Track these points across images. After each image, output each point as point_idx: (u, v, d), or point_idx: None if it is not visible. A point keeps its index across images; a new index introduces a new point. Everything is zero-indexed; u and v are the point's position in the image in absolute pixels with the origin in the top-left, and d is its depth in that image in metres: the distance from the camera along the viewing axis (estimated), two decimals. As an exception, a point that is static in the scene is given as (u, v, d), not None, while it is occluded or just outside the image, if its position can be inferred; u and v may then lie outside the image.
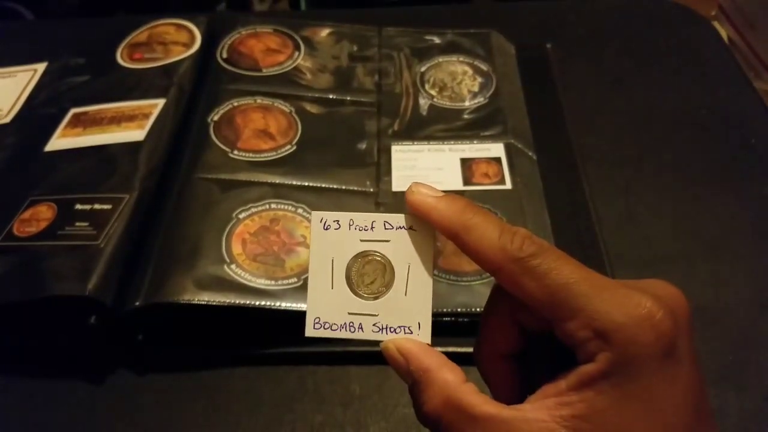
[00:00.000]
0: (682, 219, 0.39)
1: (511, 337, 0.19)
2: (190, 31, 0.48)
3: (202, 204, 0.36)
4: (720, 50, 0.52)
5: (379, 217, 0.20)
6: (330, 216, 0.21)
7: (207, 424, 0.31)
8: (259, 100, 0.43)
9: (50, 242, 0.34)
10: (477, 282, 0.34)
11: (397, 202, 0.38)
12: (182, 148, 0.40)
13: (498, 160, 0.40)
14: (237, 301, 0.32)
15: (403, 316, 0.20)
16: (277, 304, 0.32)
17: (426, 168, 0.40)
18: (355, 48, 0.47)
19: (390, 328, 0.20)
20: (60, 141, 0.41)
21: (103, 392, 0.33)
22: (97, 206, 0.36)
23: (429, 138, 0.42)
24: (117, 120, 0.41)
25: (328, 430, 0.31)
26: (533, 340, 0.19)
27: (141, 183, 0.37)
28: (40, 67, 0.48)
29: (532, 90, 0.46)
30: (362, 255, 0.20)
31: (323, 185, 0.38)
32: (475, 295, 0.33)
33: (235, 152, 0.40)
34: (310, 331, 0.20)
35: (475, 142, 0.41)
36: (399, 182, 0.39)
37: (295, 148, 0.40)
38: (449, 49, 0.48)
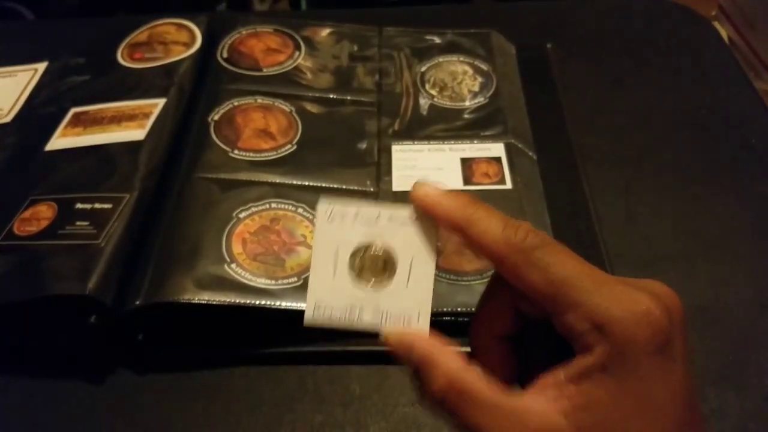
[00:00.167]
0: (682, 219, 0.39)
1: (508, 320, 0.20)
2: (191, 31, 0.48)
3: (203, 203, 0.37)
4: (720, 50, 0.52)
5: (385, 210, 0.21)
6: (337, 206, 0.21)
7: (207, 424, 0.31)
8: (259, 100, 0.43)
9: (50, 241, 0.34)
10: (477, 282, 0.34)
11: (398, 202, 0.38)
12: (182, 148, 0.40)
13: (498, 159, 0.40)
14: (237, 301, 0.32)
15: (404, 306, 0.20)
16: (277, 303, 0.32)
17: (426, 168, 0.40)
18: (355, 48, 0.47)
19: (390, 317, 0.20)
20: (60, 140, 0.41)
21: (103, 392, 0.33)
22: (97, 206, 0.36)
23: (429, 138, 0.42)
24: (117, 119, 0.41)
25: (328, 429, 0.31)
26: (530, 326, 0.20)
27: (141, 182, 0.37)
28: (41, 66, 0.48)
29: (533, 90, 0.46)
30: (366, 246, 0.20)
31: (323, 185, 0.38)
32: (475, 294, 0.33)
33: (236, 152, 0.40)
34: (309, 318, 0.20)
35: (475, 141, 0.41)
36: (399, 182, 0.39)
37: (295, 147, 0.40)
38: (449, 49, 0.48)
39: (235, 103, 0.43)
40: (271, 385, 0.33)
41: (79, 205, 0.36)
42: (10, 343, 0.34)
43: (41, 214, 0.36)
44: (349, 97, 0.44)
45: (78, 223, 0.35)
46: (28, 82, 0.47)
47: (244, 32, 0.48)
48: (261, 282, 0.33)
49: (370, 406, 0.32)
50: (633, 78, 0.48)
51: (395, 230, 0.20)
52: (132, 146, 0.39)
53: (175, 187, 0.38)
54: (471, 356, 0.20)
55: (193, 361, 0.33)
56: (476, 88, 0.45)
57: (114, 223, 0.34)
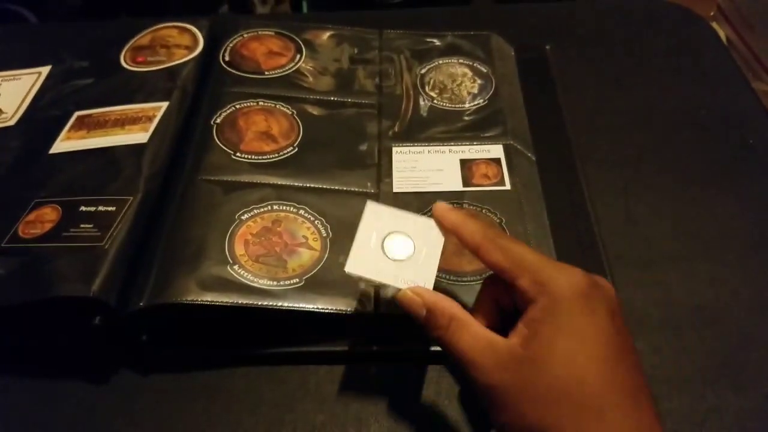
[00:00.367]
0: (681, 219, 0.40)
1: (493, 314, 0.29)
2: (193, 34, 0.48)
3: (205, 205, 0.37)
4: (719, 51, 0.52)
5: (412, 215, 0.31)
6: (379, 206, 0.31)
7: (209, 424, 0.32)
8: (261, 103, 0.43)
9: (55, 244, 0.34)
10: (476, 282, 0.34)
11: (398, 203, 0.38)
12: (185, 151, 0.40)
13: (497, 161, 0.40)
14: (240, 302, 0.32)
15: (416, 275, 0.29)
16: (279, 304, 0.33)
17: (426, 169, 0.40)
18: (355, 50, 0.48)
19: (405, 280, 0.29)
20: (64, 143, 0.41)
21: (106, 392, 0.33)
22: (101, 208, 0.36)
23: (429, 139, 0.42)
24: (121, 122, 0.42)
25: (330, 429, 0.31)
26: (506, 317, 0.28)
27: (145, 185, 0.37)
28: (45, 70, 0.48)
29: (532, 91, 0.46)
30: (397, 232, 0.30)
31: (325, 186, 0.39)
32: (474, 293, 0.34)
33: (238, 154, 0.40)
34: (349, 267, 0.29)
35: (474, 143, 0.41)
36: (399, 183, 0.39)
37: (296, 149, 0.41)
38: (449, 51, 0.48)
39: (237, 106, 0.43)
40: (273, 385, 0.33)
41: (83, 208, 0.36)
42: (13, 344, 0.34)
43: (45, 216, 0.36)
44: (349, 100, 0.44)
45: (82, 225, 0.35)
46: (32, 86, 0.47)
47: (246, 35, 0.48)
48: (263, 283, 0.33)
49: (370, 405, 0.32)
50: (632, 79, 0.49)
51: (417, 228, 0.30)
52: (135, 149, 0.39)
53: (179, 189, 0.38)
54: None
55: (195, 362, 0.34)
56: (475, 90, 0.45)
57: (118, 226, 0.35)
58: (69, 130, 0.42)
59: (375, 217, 0.31)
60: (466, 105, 0.44)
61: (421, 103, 0.44)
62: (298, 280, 0.34)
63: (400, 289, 0.28)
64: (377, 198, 0.39)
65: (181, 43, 0.47)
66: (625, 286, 0.35)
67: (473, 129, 0.42)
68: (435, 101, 0.44)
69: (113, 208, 0.36)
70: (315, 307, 0.33)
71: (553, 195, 0.39)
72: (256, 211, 0.37)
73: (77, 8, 0.86)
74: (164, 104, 0.42)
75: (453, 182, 0.39)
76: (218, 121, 0.42)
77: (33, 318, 0.34)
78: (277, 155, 0.40)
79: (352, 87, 0.45)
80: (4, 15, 0.80)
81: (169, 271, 0.34)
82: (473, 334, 0.27)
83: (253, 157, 0.40)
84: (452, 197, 0.38)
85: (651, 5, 0.56)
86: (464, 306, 0.28)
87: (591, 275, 0.27)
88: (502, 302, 0.29)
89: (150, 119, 0.41)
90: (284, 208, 0.37)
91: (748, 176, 0.42)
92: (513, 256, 0.27)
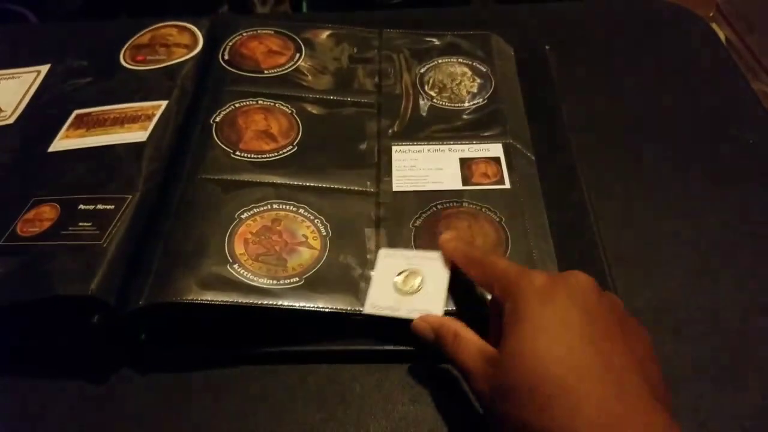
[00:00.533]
0: (682, 219, 0.40)
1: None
2: (193, 33, 0.48)
3: (205, 204, 0.37)
4: (718, 51, 0.52)
5: (420, 252, 0.35)
6: (391, 252, 0.35)
7: (208, 424, 0.32)
8: (260, 102, 0.43)
9: (53, 242, 0.34)
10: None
11: (397, 202, 0.38)
12: (185, 150, 0.40)
13: (497, 160, 0.40)
14: (239, 301, 0.32)
15: (428, 305, 0.32)
16: (279, 303, 0.33)
17: (426, 168, 0.40)
18: (355, 50, 0.48)
19: (417, 311, 0.32)
20: (63, 142, 0.41)
21: (105, 391, 0.33)
22: (100, 206, 0.36)
23: (429, 138, 0.42)
24: (120, 121, 0.42)
25: (329, 428, 0.31)
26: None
27: (144, 184, 0.37)
28: (44, 68, 0.48)
29: (531, 91, 0.46)
30: (407, 270, 0.34)
31: (324, 185, 0.39)
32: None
33: (238, 153, 0.40)
34: (368, 309, 0.33)
35: (474, 142, 0.41)
36: (399, 182, 0.39)
37: (296, 148, 0.41)
38: (448, 50, 0.48)
39: (237, 105, 0.43)
40: (273, 384, 0.33)
41: (82, 206, 0.36)
42: (11, 343, 0.34)
43: (44, 215, 0.36)
44: (349, 99, 0.44)
45: (81, 223, 0.35)
46: (32, 84, 0.47)
47: (245, 34, 0.48)
48: (263, 282, 0.33)
49: (370, 404, 0.32)
50: (631, 79, 0.49)
51: (425, 263, 0.34)
52: (135, 148, 0.39)
53: (178, 188, 0.38)
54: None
55: (194, 361, 0.34)
56: (475, 89, 0.45)
57: (117, 224, 0.35)
58: (68, 129, 0.42)
59: (387, 260, 0.35)
60: (466, 104, 0.44)
61: (421, 102, 0.44)
62: (297, 279, 0.34)
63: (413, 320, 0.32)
64: (377, 197, 0.39)
65: (180, 42, 0.47)
66: (625, 286, 0.35)
67: (473, 128, 0.42)
68: (434, 100, 0.44)
69: (112, 207, 0.36)
70: (315, 306, 0.33)
71: (553, 194, 0.39)
72: (255, 210, 0.37)
73: (77, 8, 0.86)
74: (163, 103, 0.42)
75: (452, 181, 0.39)
76: (218, 119, 0.42)
77: (32, 317, 0.34)
78: (276, 154, 0.40)
79: (352, 86, 0.45)
80: (4, 15, 0.80)
81: (168, 270, 0.33)
82: (470, 346, 0.29)
83: (252, 156, 0.40)
84: (452, 196, 0.38)
85: (651, 6, 0.56)
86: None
87: (559, 273, 0.29)
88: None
89: (149, 118, 0.41)
90: (284, 207, 0.37)
91: (747, 176, 0.42)
92: (485, 270, 0.30)
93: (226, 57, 0.46)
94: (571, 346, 0.25)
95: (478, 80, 0.46)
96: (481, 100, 0.44)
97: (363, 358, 0.33)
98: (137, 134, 0.40)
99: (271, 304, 0.32)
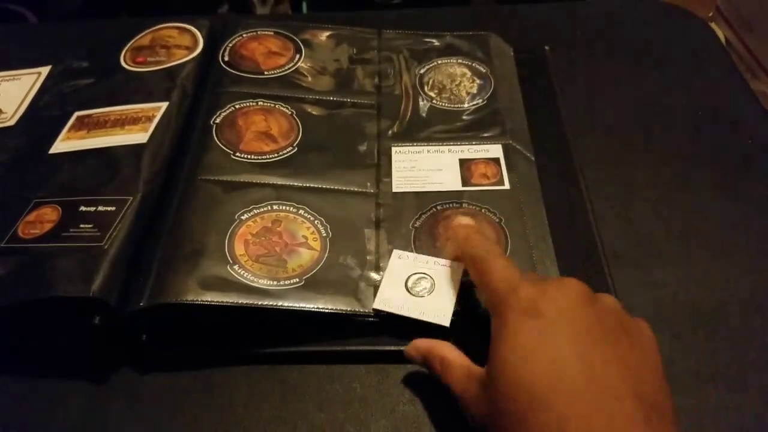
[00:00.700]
0: (681, 219, 0.40)
1: None
2: (193, 35, 0.48)
3: (205, 205, 0.37)
4: (717, 52, 0.52)
5: (431, 258, 0.35)
6: (404, 254, 0.35)
7: (208, 424, 0.32)
8: (260, 103, 0.43)
9: (55, 244, 0.34)
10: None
11: (397, 203, 0.38)
12: (185, 151, 0.40)
13: (496, 160, 0.40)
14: (240, 301, 0.32)
15: (436, 309, 0.32)
16: (279, 303, 0.33)
17: (426, 169, 0.40)
18: (354, 50, 0.48)
19: (426, 314, 0.32)
20: (64, 143, 0.41)
21: (105, 392, 0.33)
22: (101, 208, 0.36)
23: (428, 139, 0.42)
24: (120, 123, 0.42)
25: (329, 428, 0.31)
26: None
27: (144, 185, 0.37)
28: (44, 70, 0.48)
29: (531, 92, 0.46)
30: (419, 273, 0.34)
31: (324, 186, 0.39)
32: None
33: (238, 154, 0.40)
34: (377, 304, 0.33)
35: (473, 143, 0.42)
36: (399, 183, 0.40)
37: (296, 149, 0.41)
38: (448, 51, 0.48)
39: (237, 106, 0.43)
40: (273, 385, 0.33)
41: (83, 208, 0.36)
42: (12, 343, 0.34)
43: (45, 216, 0.36)
44: (349, 100, 0.44)
45: (82, 225, 0.35)
46: (32, 86, 0.47)
47: (245, 35, 0.48)
48: (263, 283, 0.33)
49: (370, 404, 0.32)
50: (631, 79, 0.49)
51: (436, 269, 0.34)
52: (135, 149, 0.39)
53: (178, 189, 0.38)
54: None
55: (194, 361, 0.34)
56: (474, 90, 0.45)
57: (117, 226, 0.35)
58: (69, 130, 0.42)
59: (400, 261, 0.35)
60: (465, 105, 0.44)
61: (420, 103, 0.44)
62: (298, 279, 0.34)
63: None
64: (376, 198, 0.39)
65: (181, 43, 0.47)
66: (625, 286, 0.35)
67: (472, 129, 0.42)
68: (434, 101, 0.45)
69: (113, 208, 0.36)
70: (315, 306, 0.33)
71: (553, 195, 0.39)
72: (255, 210, 0.37)
73: (77, 8, 0.86)
74: (164, 104, 0.42)
75: (452, 182, 0.39)
76: (218, 121, 0.42)
77: (33, 318, 0.34)
78: (276, 155, 0.40)
79: (352, 87, 0.45)
80: (4, 15, 0.80)
81: (168, 271, 0.34)
82: (457, 370, 0.29)
83: (252, 156, 0.40)
84: (451, 197, 0.38)
85: (650, 6, 0.56)
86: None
87: (550, 282, 0.27)
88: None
89: (150, 119, 0.41)
90: (284, 207, 0.37)
91: (747, 176, 0.42)
92: (482, 277, 0.30)
93: (226, 58, 0.47)
94: (554, 361, 0.24)
95: (478, 81, 0.46)
96: (480, 100, 0.44)
97: (363, 358, 0.33)
98: (138, 136, 0.40)
99: (271, 305, 0.33)
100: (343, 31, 0.49)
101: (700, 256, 0.38)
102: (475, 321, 0.32)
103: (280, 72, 0.46)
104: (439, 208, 0.38)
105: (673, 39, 0.52)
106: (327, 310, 0.33)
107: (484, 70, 0.46)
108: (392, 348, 0.33)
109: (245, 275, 0.33)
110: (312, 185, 0.39)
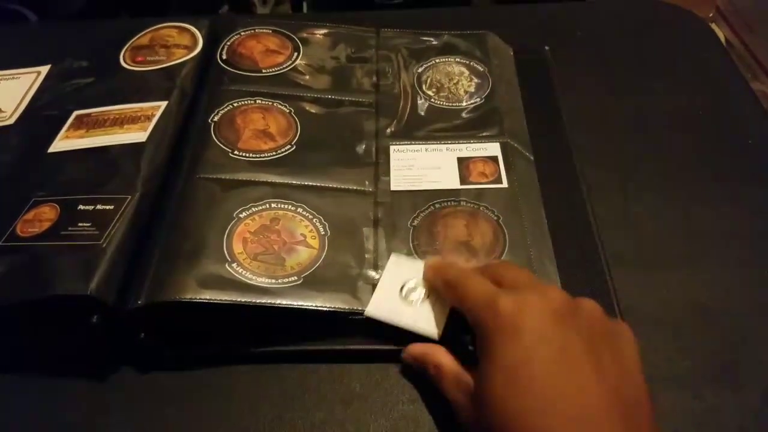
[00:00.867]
0: (681, 219, 0.40)
1: None
2: (192, 34, 0.48)
3: (204, 204, 0.37)
4: (718, 52, 0.52)
5: None
6: (401, 258, 0.35)
7: (208, 423, 0.32)
8: (258, 101, 0.43)
9: (53, 242, 0.34)
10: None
11: (395, 201, 0.38)
12: (184, 149, 0.40)
13: (495, 159, 0.40)
14: (238, 300, 0.32)
15: (428, 319, 0.32)
16: (278, 302, 0.33)
17: (424, 167, 0.40)
18: (353, 49, 0.48)
19: (418, 321, 0.32)
20: (63, 142, 0.41)
21: (104, 391, 0.33)
22: (99, 207, 0.36)
23: (426, 138, 0.42)
24: (120, 122, 0.42)
25: (329, 428, 0.31)
26: None
27: (143, 184, 0.37)
28: (44, 69, 0.49)
29: (531, 92, 0.46)
30: (415, 281, 0.34)
31: (322, 185, 0.39)
32: None
33: (236, 152, 0.40)
34: (369, 311, 0.33)
35: (472, 141, 0.41)
36: (397, 182, 0.39)
37: (294, 148, 0.41)
38: (446, 50, 0.48)
39: (235, 104, 0.43)
40: (272, 384, 0.33)
41: (81, 207, 0.36)
42: (11, 343, 0.34)
43: (44, 215, 0.36)
44: (347, 98, 0.44)
45: (80, 224, 0.35)
46: (31, 85, 0.47)
47: (243, 34, 0.48)
48: (262, 281, 0.33)
49: (370, 404, 0.32)
50: (631, 80, 0.49)
51: None
52: (134, 148, 0.39)
53: (177, 187, 0.38)
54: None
55: (194, 360, 0.34)
56: (472, 89, 0.45)
57: (116, 224, 0.35)
58: (68, 129, 0.42)
59: (396, 267, 0.34)
60: (463, 103, 0.44)
61: (419, 101, 0.44)
62: (296, 278, 0.34)
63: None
64: (375, 196, 0.39)
65: (180, 43, 0.47)
66: (625, 286, 0.35)
67: (470, 127, 0.42)
68: (432, 100, 0.45)
69: (111, 207, 0.36)
70: (313, 305, 0.33)
71: (552, 195, 0.39)
72: (254, 209, 0.37)
73: (77, 8, 0.86)
74: (163, 104, 0.42)
75: (450, 180, 0.39)
76: (216, 119, 0.42)
77: (31, 317, 0.34)
78: (275, 153, 0.40)
79: (350, 85, 0.45)
80: (4, 15, 0.80)
81: (167, 270, 0.34)
82: (451, 378, 0.29)
83: (251, 155, 0.40)
84: (449, 195, 0.38)
85: (650, 6, 0.56)
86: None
87: (530, 291, 0.28)
88: None
89: (149, 118, 0.41)
90: (282, 206, 0.37)
91: (746, 177, 0.42)
92: (461, 299, 0.30)
93: (224, 56, 0.47)
94: (540, 387, 0.25)
95: (476, 80, 0.46)
96: (478, 99, 0.44)
97: (363, 358, 0.33)
98: (137, 135, 0.40)
99: (270, 303, 0.32)
100: (341, 30, 0.49)
101: (700, 256, 0.38)
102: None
103: (278, 70, 0.46)
104: (437, 206, 0.38)
105: (674, 39, 0.52)
106: (325, 308, 0.33)
107: (482, 69, 0.46)
108: (392, 347, 0.33)
109: (244, 273, 0.33)
110: (310, 183, 0.39)
